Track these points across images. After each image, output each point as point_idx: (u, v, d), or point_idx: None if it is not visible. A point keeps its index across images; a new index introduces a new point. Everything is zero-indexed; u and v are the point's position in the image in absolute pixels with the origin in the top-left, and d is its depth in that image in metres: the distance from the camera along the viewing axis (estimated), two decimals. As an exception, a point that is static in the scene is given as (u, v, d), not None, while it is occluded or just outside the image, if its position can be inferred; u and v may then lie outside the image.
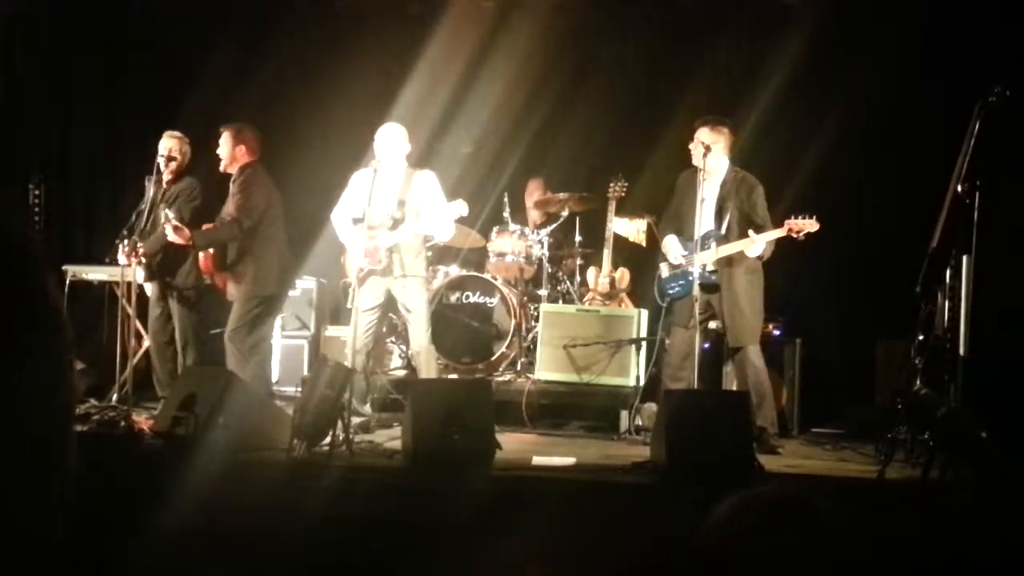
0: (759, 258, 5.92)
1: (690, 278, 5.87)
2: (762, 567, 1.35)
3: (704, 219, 5.90)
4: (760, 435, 5.77)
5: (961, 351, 4.58)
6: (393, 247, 6.03)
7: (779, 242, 5.89)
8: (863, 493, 4.79)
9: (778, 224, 5.87)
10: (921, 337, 5.02)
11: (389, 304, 6.30)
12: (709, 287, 5.95)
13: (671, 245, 6.09)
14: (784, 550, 1.34)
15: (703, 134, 5.99)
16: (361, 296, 5.99)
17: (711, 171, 5.99)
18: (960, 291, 4.60)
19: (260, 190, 6.28)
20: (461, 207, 6.12)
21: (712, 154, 5.93)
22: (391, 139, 6.11)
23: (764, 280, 6.04)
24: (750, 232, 5.83)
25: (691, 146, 6.00)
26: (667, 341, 6.26)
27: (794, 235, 5.80)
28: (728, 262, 5.94)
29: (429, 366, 6.21)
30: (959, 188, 4.56)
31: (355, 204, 6.10)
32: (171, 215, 6.16)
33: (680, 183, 6.20)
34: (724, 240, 5.94)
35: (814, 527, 1.36)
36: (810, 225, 5.78)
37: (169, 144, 6.51)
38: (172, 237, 6.14)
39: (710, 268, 5.93)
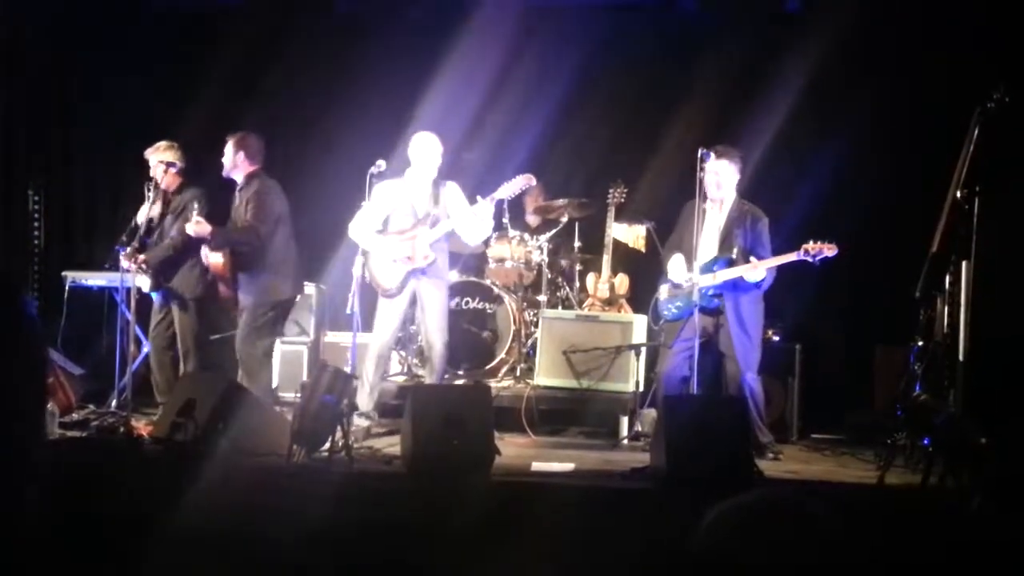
0: (758, 286, 5.84)
1: (690, 300, 5.79)
2: (756, 571, 1.35)
3: (708, 248, 5.88)
4: (759, 442, 5.75)
5: (960, 356, 4.58)
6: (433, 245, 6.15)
7: (791, 264, 5.79)
8: (863, 498, 4.79)
9: (793, 248, 5.76)
10: (921, 343, 5.02)
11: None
12: (710, 311, 5.89)
13: (676, 266, 5.99)
14: (777, 555, 1.35)
15: (721, 167, 5.87)
16: (397, 299, 6.14)
17: (719, 201, 5.96)
18: (959, 296, 4.61)
19: (273, 198, 6.35)
20: (529, 179, 6.39)
21: (724, 186, 5.92)
22: (430, 148, 6.25)
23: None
24: (751, 258, 5.78)
25: (702, 175, 5.77)
26: (656, 368, 6.22)
27: (810, 260, 5.67)
28: (734, 287, 5.85)
29: (442, 365, 6.25)
30: (958, 193, 4.57)
31: (381, 214, 6.21)
32: (196, 207, 6.25)
33: (684, 214, 6.08)
34: (730, 265, 5.86)
35: (806, 531, 1.36)
36: (828, 249, 5.64)
37: (160, 157, 6.52)
38: (192, 230, 6.17)
39: (713, 292, 5.85)
